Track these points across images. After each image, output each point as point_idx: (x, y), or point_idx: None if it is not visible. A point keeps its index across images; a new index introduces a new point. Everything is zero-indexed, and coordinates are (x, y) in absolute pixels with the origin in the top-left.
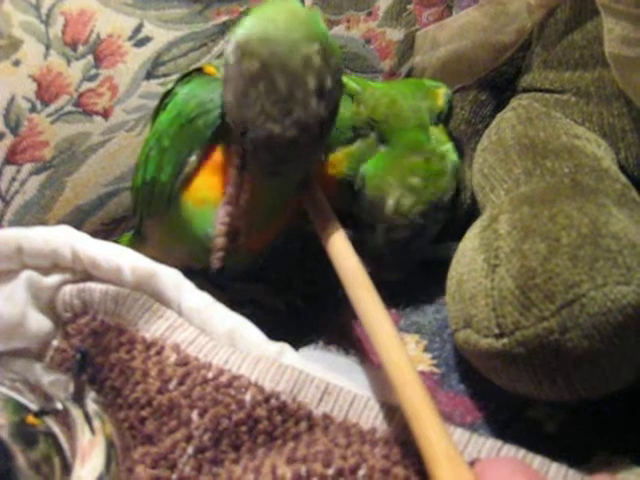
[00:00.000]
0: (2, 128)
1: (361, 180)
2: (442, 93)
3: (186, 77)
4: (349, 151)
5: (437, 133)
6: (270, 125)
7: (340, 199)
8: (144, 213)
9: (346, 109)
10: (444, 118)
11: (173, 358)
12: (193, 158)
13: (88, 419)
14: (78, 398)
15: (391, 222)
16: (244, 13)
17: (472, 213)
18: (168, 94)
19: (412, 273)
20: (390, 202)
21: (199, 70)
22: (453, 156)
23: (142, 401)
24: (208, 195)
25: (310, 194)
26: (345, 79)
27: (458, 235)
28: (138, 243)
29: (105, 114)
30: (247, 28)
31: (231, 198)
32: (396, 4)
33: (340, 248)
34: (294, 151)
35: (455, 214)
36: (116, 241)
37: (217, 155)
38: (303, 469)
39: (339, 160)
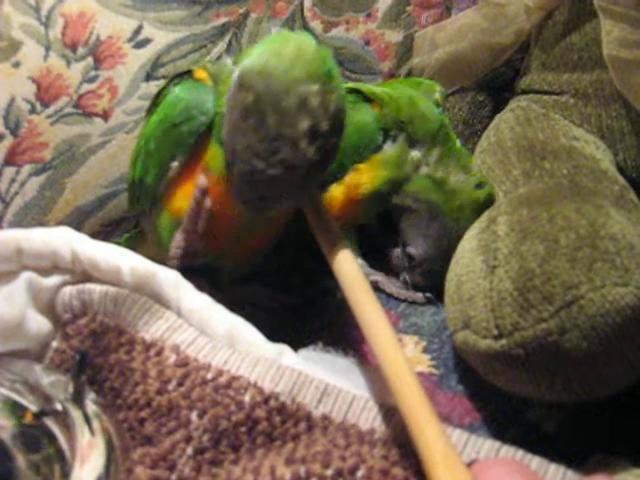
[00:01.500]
0: (2, 129)
1: (434, 210)
2: (438, 90)
3: (175, 79)
4: (382, 158)
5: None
6: (255, 161)
7: (365, 212)
8: (137, 210)
9: (367, 114)
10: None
11: (172, 359)
12: (175, 164)
13: (87, 420)
14: (77, 399)
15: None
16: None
17: None
18: (161, 93)
19: None
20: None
21: (189, 72)
22: None
23: (141, 402)
24: (185, 206)
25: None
26: (358, 85)
27: None
28: (139, 240)
29: (105, 115)
30: (251, 59)
31: (188, 224)
32: (395, 6)
33: (338, 250)
34: (276, 189)
35: None
36: (116, 242)
37: (200, 161)
38: (302, 470)
39: (371, 169)
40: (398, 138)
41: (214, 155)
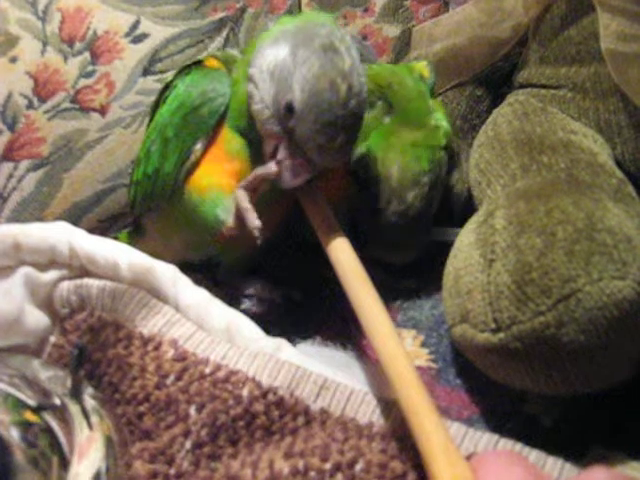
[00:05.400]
0: None
1: (365, 156)
2: (425, 65)
3: (185, 70)
4: None
5: (432, 104)
6: None
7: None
8: (143, 207)
9: None
10: (433, 88)
11: (170, 353)
12: (198, 146)
13: (86, 415)
14: (76, 394)
15: (395, 193)
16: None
17: (469, 208)
18: (167, 88)
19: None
20: (394, 170)
21: (198, 63)
22: (445, 124)
23: (140, 396)
24: (211, 181)
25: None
26: None
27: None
28: (136, 239)
29: (102, 111)
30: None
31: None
32: (393, 0)
33: (337, 243)
34: None
35: (450, 194)
36: (115, 237)
37: (217, 143)
38: (300, 464)
39: None
40: (376, 105)
41: (229, 139)
